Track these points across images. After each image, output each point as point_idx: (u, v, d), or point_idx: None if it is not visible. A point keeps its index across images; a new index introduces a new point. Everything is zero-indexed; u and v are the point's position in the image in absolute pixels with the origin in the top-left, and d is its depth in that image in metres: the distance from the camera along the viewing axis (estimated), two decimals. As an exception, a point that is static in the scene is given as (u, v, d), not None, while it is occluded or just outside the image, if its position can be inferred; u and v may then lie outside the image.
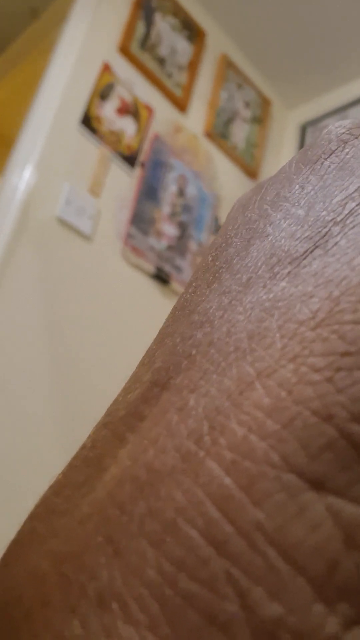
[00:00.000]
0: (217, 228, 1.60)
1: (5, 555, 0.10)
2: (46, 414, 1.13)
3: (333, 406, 0.07)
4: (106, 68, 1.46)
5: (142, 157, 1.49)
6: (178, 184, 1.55)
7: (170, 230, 1.49)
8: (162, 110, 1.58)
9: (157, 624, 0.07)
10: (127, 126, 1.47)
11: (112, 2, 1.53)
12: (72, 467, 0.10)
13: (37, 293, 1.18)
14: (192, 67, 1.70)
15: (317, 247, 0.10)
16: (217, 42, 1.81)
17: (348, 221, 0.10)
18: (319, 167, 0.12)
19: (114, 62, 1.49)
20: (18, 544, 0.10)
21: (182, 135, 1.62)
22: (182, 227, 1.52)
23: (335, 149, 0.12)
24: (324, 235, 0.10)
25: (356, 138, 0.13)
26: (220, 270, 0.12)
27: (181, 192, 1.55)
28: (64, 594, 0.08)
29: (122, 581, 0.07)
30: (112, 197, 1.39)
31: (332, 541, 0.07)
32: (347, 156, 0.12)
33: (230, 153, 1.75)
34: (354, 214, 0.10)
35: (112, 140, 1.43)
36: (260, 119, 1.89)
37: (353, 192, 0.11)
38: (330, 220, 0.10)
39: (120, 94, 1.48)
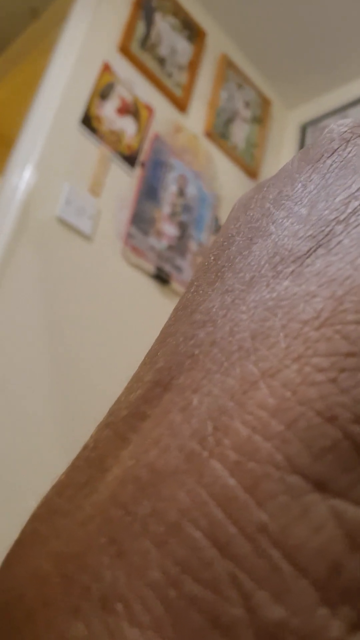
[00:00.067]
0: (217, 228, 1.60)
1: (8, 555, 0.10)
2: (46, 414, 1.13)
3: (336, 407, 0.07)
4: (106, 68, 1.46)
5: (142, 157, 1.49)
6: (178, 184, 1.55)
7: (170, 230, 1.49)
8: (162, 110, 1.58)
9: (161, 625, 0.07)
10: (127, 126, 1.47)
11: (112, 2, 1.53)
12: (75, 467, 0.10)
13: (37, 293, 1.18)
14: (192, 67, 1.70)
15: (320, 246, 0.10)
16: (217, 42, 1.81)
17: (351, 220, 0.10)
18: (321, 165, 0.12)
19: (114, 61, 1.49)
20: (20, 544, 0.10)
21: (182, 135, 1.62)
22: (182, 227, 1.52)
23: (338, 148, 0.12)
24: (327, 234, 0.10)
25: (358, 137, 0.12)
26: (223, 269, 0.12)
27: (181, 192, 1.55)
28: (67, 594, 0.08)
29: (125, 582, 0.07)
30: (112, 197, 1.39)
31: (335, 543, 0.07)
32: (350, 155, 0.12)
33: (230, 153, 1.75)
34: (357, 213, 0.10)
35: (112, 140, 1.43)
36: (260, 119, 1.89)
37: (356, 191, 0.11)
38: (333, 219, 0.10)
39: (120, 93, 1.48)
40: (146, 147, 1.51)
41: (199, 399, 0.09)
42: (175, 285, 1.44)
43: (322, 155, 0.12)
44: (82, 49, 1.42)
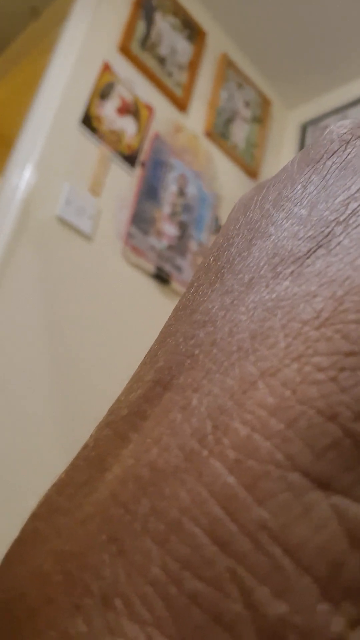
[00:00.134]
0: (217, 228, 1.60)
1: (8, 554, 0.10)
2: (46, 414, 1.13)
3: (337, 406, 0.07)
4: (106, 67, 1.46)
5: (143, 156, 1.49)
6: (178, 184, 1.55)
7: (170, 230, 1.49)
8: (163, 110, 1.58)
9: (162, 622, 0.07)
10: (127, 126, 1.47)
11: (112, 1, 1.53)
12: (75, 466, 0.10)
13: (37, 293, 1.18)
14: (193, 66, 1.70)
15: (320, 246, 0.10)
16: (217, 42, 1.81)
17: (351, 221, 0.10)
18: (321, 167, 0.12)
19: (114, 61, 1.49)
20: (21, 543, 0.10)
21: (183, 135, 1.62)
22: (183, 226, 1.52)
23: (337, 149, 0.12)
24: (327, 235, 0.10)
25: (358, 138, 0.13)
26: (222, 270, 0.12)
27: (181, 192, 1.55)
28: (68, 592, 0.08)
29: (126, 579, 0.07)
30: (112, 197, 1.39)
31: (337, 541, 0.07)
32: (349, 156, 0.12)
33: (231, 153, 1.75)
34: (357, 214, 0.10)
35: (112, 140, 1.43)
36: (261, 119, 1.89)
37: (355, 192, 0.11)
38: (333, 220, 0.10)
39: (120, 93, 1.48)
40: (146, 146, 1.51)
41: (199, 398, 0.09)
42: (175, 285, 1.44)
43: (322, 157, 0.13)
44: (82, 48, 1.42)
